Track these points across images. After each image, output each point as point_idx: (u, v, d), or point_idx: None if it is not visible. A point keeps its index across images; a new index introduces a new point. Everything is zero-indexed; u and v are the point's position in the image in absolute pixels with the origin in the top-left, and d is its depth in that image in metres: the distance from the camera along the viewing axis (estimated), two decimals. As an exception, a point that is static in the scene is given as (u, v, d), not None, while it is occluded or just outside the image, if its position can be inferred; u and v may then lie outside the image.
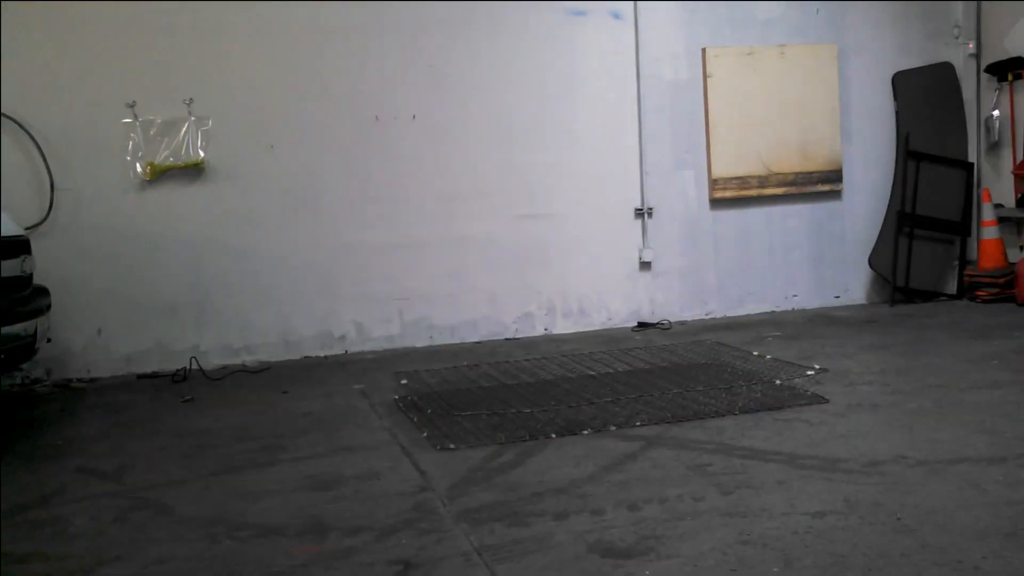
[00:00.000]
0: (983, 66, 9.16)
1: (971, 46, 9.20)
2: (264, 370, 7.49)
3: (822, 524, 3.68)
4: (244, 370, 7.49)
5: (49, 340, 6.61)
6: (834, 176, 8.96)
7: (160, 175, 7.53)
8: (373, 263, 8.00)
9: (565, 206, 8.39)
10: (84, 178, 7.39)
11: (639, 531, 3.71)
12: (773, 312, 8.91)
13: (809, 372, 6.30)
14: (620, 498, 4.09)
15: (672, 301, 8.71)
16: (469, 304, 8.23)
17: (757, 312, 8.89)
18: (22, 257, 6.04)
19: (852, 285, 9.19)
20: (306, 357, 7.89)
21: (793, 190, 8.85)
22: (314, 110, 7.83)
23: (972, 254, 9.20)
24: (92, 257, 7.42)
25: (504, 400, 5.93)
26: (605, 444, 4.93)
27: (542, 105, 8.29)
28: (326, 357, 7.90)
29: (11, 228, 6.07)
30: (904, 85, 9.10)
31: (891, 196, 9.08)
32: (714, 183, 8.67)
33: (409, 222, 8.06)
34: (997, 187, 9.13)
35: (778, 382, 6.05)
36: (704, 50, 8.60)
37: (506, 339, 8.28)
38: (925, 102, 9.13)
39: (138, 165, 7.49)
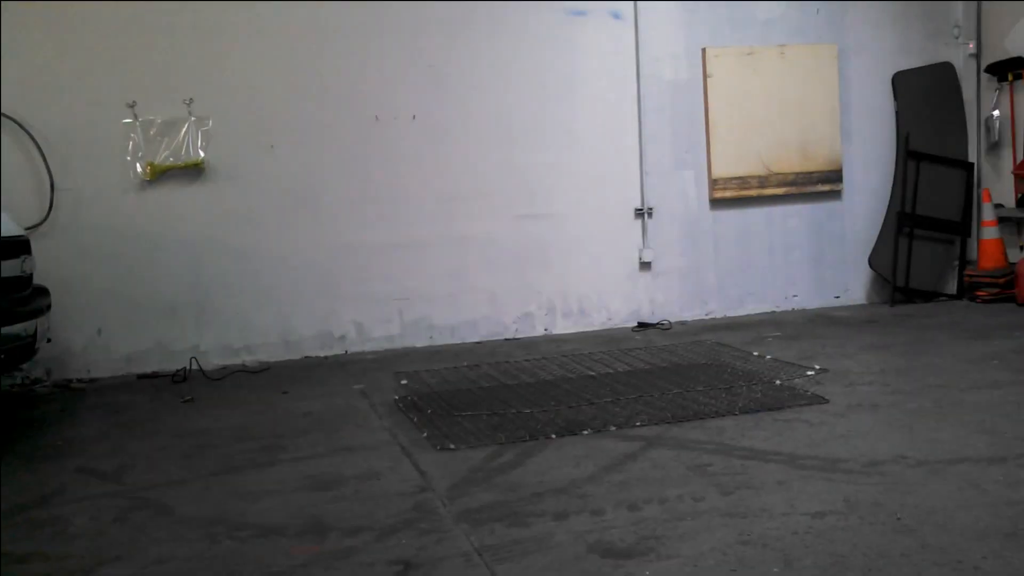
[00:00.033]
0: (983, 66, 9.16)
1: (971, 46, 9.20)
2: (264, 370, 7.49)
3: (822, 524, 3.68)
4: (244, 370, 7.49)
5: (49, 340, 6.61)
6: (834, 176, 8.95)
7: (160, 175, 7.53)
8: (373, 263, 8.00)
9: (565, 206, 8.39)
10: (84, 178, 7.39)
11: (639, 531, 3.71)
12: (773, 312, 8.91)
13: (809, 372, 6.30)
14: (620, 498, 4.09)
15: (672, 301, 8.71)
16: (469, 304, 8.23)
17: (757, 312, 8.88)
18: (22, 257, 6.04)
19: (852, 285, 9.19)
20: (306, 357, 7.90)
21: (793, 190, 8.85)
22: (314, 110, 7.83)
23: (972, 254, 9.19)
24: (92, 257, 7.42)
25: (504, 400, 5.92)
26: (605, 444, 4.93)
27: (542, 105, 8.29)
28: (326, 357, 7.90)
29: (11, 228, 6.06)
30: (904, 85, 9.10)
31: (891, 196, 9.08)
32: (714, 183, 8.67)
33: (409, 222, 8.06)
34: (997, 187, 9.13)
35: (778, 382, 6.05)
36: (704, 50, 8.60)
37: (506, 339, 8.28)
38: (925, 102, 9.12)
39: (138, 165, 7.49)
